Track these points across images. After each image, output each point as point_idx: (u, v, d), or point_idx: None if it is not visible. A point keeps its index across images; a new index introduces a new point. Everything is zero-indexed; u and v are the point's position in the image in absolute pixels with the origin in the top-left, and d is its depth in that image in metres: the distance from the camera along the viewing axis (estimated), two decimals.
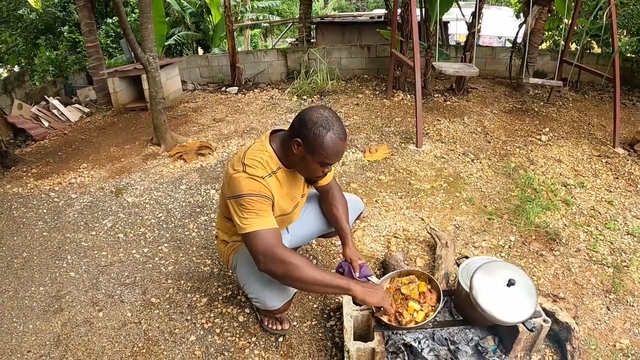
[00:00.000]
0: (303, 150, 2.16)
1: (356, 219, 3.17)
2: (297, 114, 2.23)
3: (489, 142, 5.54)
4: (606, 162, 5.13)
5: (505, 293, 2.33)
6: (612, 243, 3.80)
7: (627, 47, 7.99)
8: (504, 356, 2.62)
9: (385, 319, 2.43)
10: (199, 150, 5.41)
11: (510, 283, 2.33)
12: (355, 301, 2.29)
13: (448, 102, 6.90)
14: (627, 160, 5.17)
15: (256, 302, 2.53)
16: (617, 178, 4.82)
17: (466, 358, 2.55)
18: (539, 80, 6.29)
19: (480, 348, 2.59)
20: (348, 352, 2.37)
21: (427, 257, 3.55)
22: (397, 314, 2.44)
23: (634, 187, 4.64)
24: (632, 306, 3.23)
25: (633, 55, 8.24)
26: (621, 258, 3.64)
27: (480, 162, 5.04)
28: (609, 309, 3.19)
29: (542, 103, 6.81)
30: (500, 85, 8.00)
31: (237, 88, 8.54)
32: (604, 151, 5.36)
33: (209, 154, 5.41)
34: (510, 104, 6.82)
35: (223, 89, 8.69)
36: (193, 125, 6.55)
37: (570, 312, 2.92)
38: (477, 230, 3.88)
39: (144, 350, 2.80)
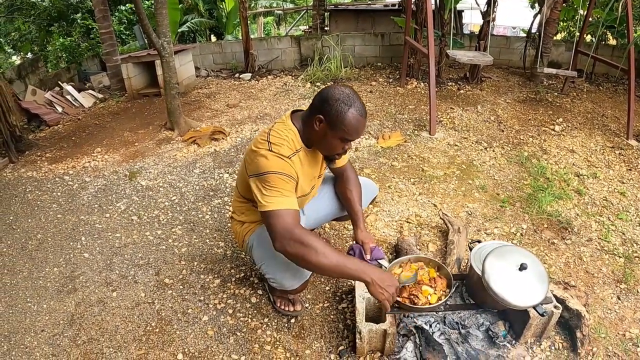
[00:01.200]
0: (325, 126, 2.18)
1: (370, 203, 3.19)
2: (316, 93, 2.24)
3: (502, 131, 5.52)
4: (619, 153, 5.11)
5: (517, 277, 2.34)
6: (623, 234, 3.79)
7: None
8: (514, 341, 2.63)
9: (400, 299, 2.44)
10: (213, 135, 5.44)
11: (522, 267, 2.33)
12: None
13: (462, 91, 6.88)
14: None
15: (273, 282, 2.55)
16: (630, 170, 4.79)
17: (476, 342, 2.57)
18: (553, 71, 6.25)
19: (490, 333, 2.60)
20: (360, 333, 2.40)
21: (439, 242, 3.56)
22: (411, 296, 2.45)
23: None
24: None
25: None
26: (633, 249, 3.63)
27: (494, 151, 5.03)
28: (619, 299, 3.18)
29: (556, 93, 6.77)
30: (514, 75, 7.95)
31: (250, 74, 8.55)
32: (618, 143, 5.33)
33: (223, 138, 5.44)
34: (524, 93, 6.78)
35: (236, 75, 8.71)
36: (207, 111, 6.58)
37: (581, 299, 2.92)
38: (490, 218, 3.88)
39: (157, 330, 2.83)
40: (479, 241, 2.82)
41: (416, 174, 4.54)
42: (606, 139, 5.43)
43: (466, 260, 3.15)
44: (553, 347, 2.74)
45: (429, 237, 3.63)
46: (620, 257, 3.53)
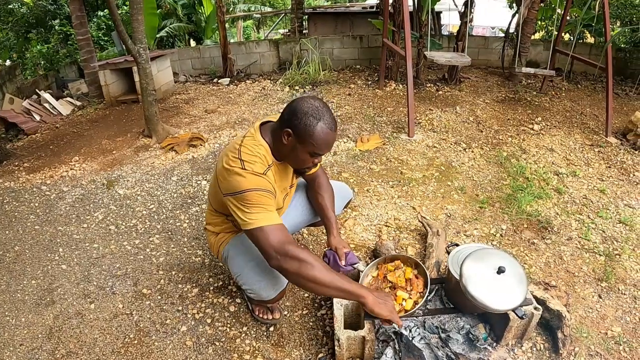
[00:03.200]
0: (293, 140, 2.15)
1: (345, 207, 3.17)
2: (286, 105, 2.22)
3: (481, 132, 5.53)
4: (599, 151, 5.14)
5: (495, 280, 2.33)
6: (604, 232, 3.80)
7: (620, 37, 7.98)
8: (494, 344, 2.61)
9: None
10: (191, 142, 5.39)
11: (501, 270, 2.33)
12: (365, 310, 2.21)
13: (440, 92, 6.89)
14: (620, 149, 5.17)
15: (250, 293, 2.52)
16: (609, 167, 4.82)
17: (457, 346, 2.55)
18: (531, 70, 6.28)
19: (471, 336, 2.58)
20: (339, 340, 2.37)
21: (418, 245, 3.54)
22: None
23: (626, 176, 4.64)
24: (624, 294, 3.23)
25: (626, 46, 8.24)
26: (613, 246, 3.63)
27: (472, 151, 5.04)
28: (600, 297, 3.18)
29: (534, 93, 6.80)
30: (492, 75, 7.99)
31: (228, 79, 8.50)
32: (597, 140, 5.36)
33: (201, 145, 5.39)
34: (502, 93, 6.81)
35: (215, 80, 8.64)
36: (185, 117, 6.52)
37: (562, 300, 2.92)
38: (469, 219, 3.87)
39: (136, 342, 2.78)
40: (457, 244, 2.81)
41: (395, 177, 4.52)
42: (585, 136, 5.46)
43: (445, 264, 3.13)
44: (534, 349, 2.72)
45: (408, 240, 3.61)
46: (600, 255, 3.53)
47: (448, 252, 2.74)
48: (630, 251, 3.60)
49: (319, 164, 2.67)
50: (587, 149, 5.18)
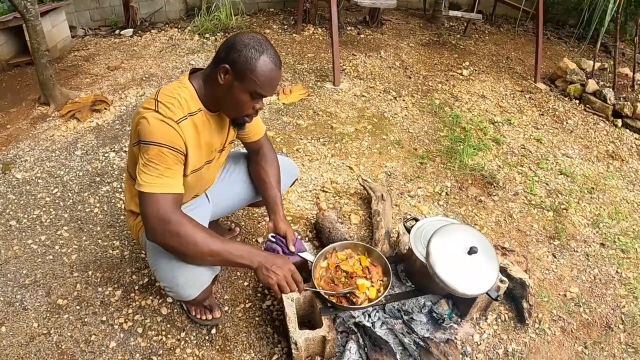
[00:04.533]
0: (231, 77, 1.76)
1: (290, 186, 2.76)
2: (223, 41, 1.84)
3: (410, 78, 5.21)
4: (529, 97, 4.97)
5: (466, 262, 2.05)
6: (547, 184, 3.66)
7: None
8: (459, 320, 2.40)
9: (334, 299, 2.08)
10: (94, 106, 4.68)
11: (472, 251, 2.02)
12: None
13: (362, 36, 6.48)
14: (550, 96, 5.04)
15: (169, 292, 2.06)
16: (542, 114, 4.67)
17: (421, 327, 2.31)
18: (458, 13, 6.01)
19: (435, 315, 2.34)
20: (296, 344, 2.00)
21: (362, 212, 3.21)
22: (348, 294, 2.09)
23: (560, 124, 4.51)
24: (576, 252, 3.11)
25: None
26: (558, 200, 3.51)
27: (404, 100, 4.71)
28: (555, 257, 3.05)
29: (458, 36, 6.54)
30: (414, 17, 7.62)
31: (132, 30, 7.66)
32: (526, 86, 5.20)
33: (105, 109, 4.68)
34: (426, 36, 6.49)
35: (117, 32, 7.78)
36: (85, 77, 5.71)
37: (521, 265, 2.70)
38: (411, 177, 3.57)
39: None
40: (415, 219, 2.46)
41: (325, 133, 4.11)
42: (514, 82, 5.27)
43: (396, 233, 2.81)
44: (499, 320, 2.58)
45: (350, 206, 3.27)
46: (548, 210, 3.39)
47: (407, 229, 2.40)
48: (576, 204, 3.49)
49: (262, 130, 2.32)
50: (518, 95, 5.00)
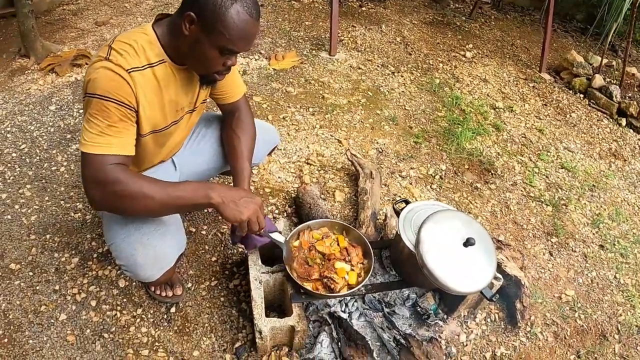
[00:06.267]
0: (197, 29, 1.47)
1: (269, 154, 2.47)
2: None
3: (410, 54, 4.92)
4: (533, 86, 4.71)
5: (462, 255, 1.80)
6: (547, 177, 3.43)
7: None
8: (446, 317, 2.16)
9: (309, 286, 1.81)
10: (75, 61, 4.35)
11: (469, 243, 1.76)
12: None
13: (364, 8, 6.17)
14: (554, 87, 4.79)
15: (126, 271, 1.78)
16: (545, 105, 4.41)
17: (403, 321, 2.06)
18: None
19: (419, 309, 2.10)
20: (260, 333, 1.74)
21: (347, 189, 2.94)
22: (325, 279, 1.83)
23: (563, 117, 4.27)
24: (574, 251, 2.89)
25: None
26: (558, 195, 3.28)
27: (402, 76, 4.43)
28: (551, 255, 2.82)
29: (464, 18, 6.25)
30: None
31: None
32: (530, 75, 4.94)
33: (87, 64, 4.34)
34: (430, 15, 6.20)
35: None
36: (71, 31, 5.36)
37: (517, 262, 2.47)
38: (404, 156, 3.31)
39: (6, 340, 2.07)
40: (406, 201, 2.19)
41: (316, 102, 3.82)
42: (518, 70, 5.01)
43: (382, 214, 2.55)
44: (489, 319, 2.37)
45: (335, 182, 3.00)
46: (547, 204, 3.16)
47: (397, 213, 2.13)
48: (576, 201, 3.26)
49: (241, 90, 2.04)
50: (521, 83, 4.75)
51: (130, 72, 1.48)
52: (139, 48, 1.52)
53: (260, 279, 1.95)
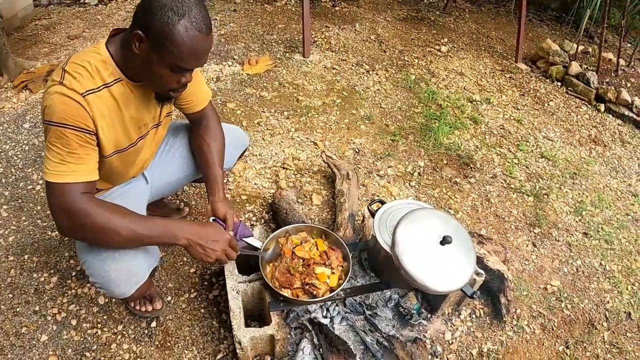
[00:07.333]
0: (146, 47, 1.41)
1: (239, 158, 2.41)
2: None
3: (385, 52, 4.89)
4: (510, 77, 4.69)
5: (439, 254, 1.76)
6: (527, 167, 3.40)
7: None
8: (429, 315, 2.11)
9: (287, 293, 1.77)
10: (48, 76, 4.29)
11: (446, 241, 1.72)
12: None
13: (337, 8, 6.13)
14: (531, 76, 4.77)
15: (100, 289, 1.73)
16: (523, 95, 4.39)
17: (386, 323, 2.01)
18: None
19: (402, 309, 2.05)
20: (240, 343, 1.69)
21: (324, 192, 2.90)
22: (307, 286, 1.78)
23: (541, 106, 4.24)
24: (558, 241, 2.85)
25: None
26: (539, 185, 3.25)
27: (377, 74, 4.39)
28: (535, 246, 2.78)
29: (438, 12, 6.23)
30: None
31: None
32: (506, 66, 4.92)
33: None
34: (404, 11, 6.18)
35: (81, 0, 7.35)
36: (44, 46, 5.29)
37: (500, 255, 2.43)
38: (381, 155, 3.27)
39: None
40: (382, 201, 2.15)
41: (290, 106, 3.77)
42: (494, 61, 4.99)
43: (360, 215, 2.50)
44: (474, 316, 2.33)
45: (312, 185, 2.95)
46: (528, 195, 3.13)
47: (372, 214, 2.08)
48: (557, 190, 3.23)
49: (207, 97, 1.98)
50: (497, 74, 4.72)
51: (85, 95, 1.43)
52: (93, 69, 1.47)
53: (237, 288, 1.91)
